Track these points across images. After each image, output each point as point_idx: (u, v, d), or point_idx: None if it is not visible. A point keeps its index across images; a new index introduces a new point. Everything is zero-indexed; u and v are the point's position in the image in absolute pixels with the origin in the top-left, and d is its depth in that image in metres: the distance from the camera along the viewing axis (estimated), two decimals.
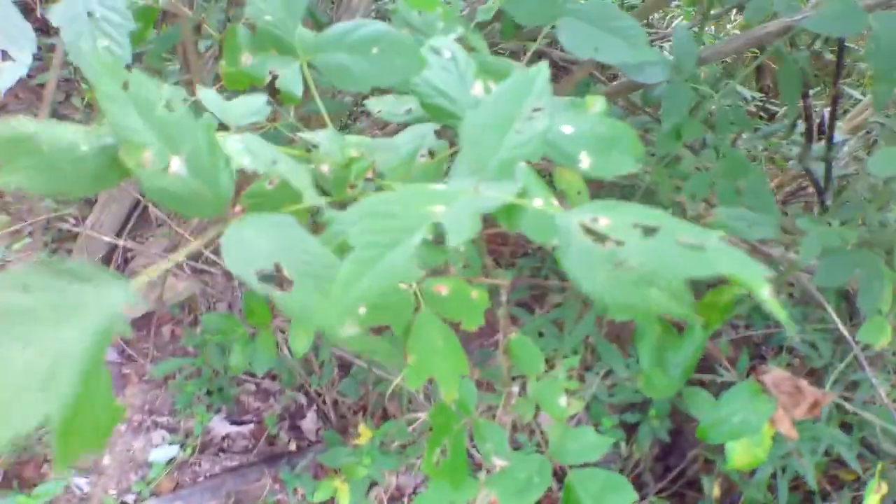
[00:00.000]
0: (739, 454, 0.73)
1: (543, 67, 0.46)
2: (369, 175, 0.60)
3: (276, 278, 0.33)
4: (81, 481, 1.60)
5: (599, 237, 0.28)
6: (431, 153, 0.65)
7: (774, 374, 0.73)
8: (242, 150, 0.38)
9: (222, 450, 1.76)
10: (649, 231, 0.27)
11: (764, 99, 2.24)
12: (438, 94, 0.54)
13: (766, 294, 0.25)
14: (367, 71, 0.51)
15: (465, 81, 0.56)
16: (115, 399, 0.34)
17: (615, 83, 1.18)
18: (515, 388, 1.04)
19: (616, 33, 0.75)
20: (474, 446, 0.97)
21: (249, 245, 0.33)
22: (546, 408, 0.78)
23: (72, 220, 2.09)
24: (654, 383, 0.80)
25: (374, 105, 0.74)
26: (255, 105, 0.46)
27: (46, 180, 0.37)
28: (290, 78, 0.51)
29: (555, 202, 0.43)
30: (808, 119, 1.69)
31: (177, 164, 0.35)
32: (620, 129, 0.53)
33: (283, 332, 1.37)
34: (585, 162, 0.54)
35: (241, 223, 0.36)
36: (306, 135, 0.46)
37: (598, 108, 0.79)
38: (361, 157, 0.49)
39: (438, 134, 0.67)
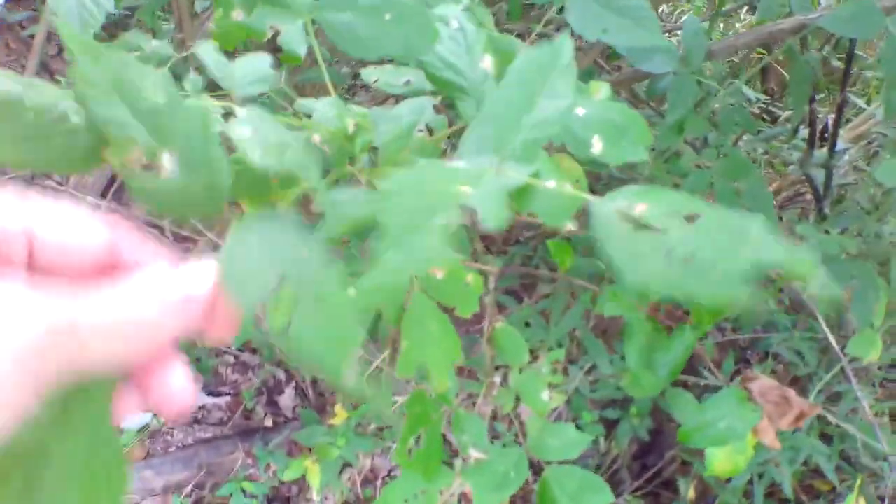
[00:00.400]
0: (720, 461, 0.71)
1: (567, 41, 0.43)
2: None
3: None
4: None
5: (639, 225, 0.26)
6: (430, 129, 0.62)
7: (762, 382, 0.71)
8: (252, 140, 0.33)
9: (197, 421, 1.74)
10: (690, 218, 0.25)
11: (767, 101, 2.21)
12: (446, 66, 0.50)
13: (817, 285, 0.23)
14: (377, 37, 0.47)
15: (474, 54, 0.53)
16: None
17: (620, 73, 1.15)
18: (497, 379, 1.02)
19: (626, 15, 0.72)
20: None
21: (250, 259, 0.29)
22: (528, 402, 0.75)
23: (56, 178, 2.04)
24: (641, 382, 0.78)
25: (371, 74, 0.71)
26: (260, 68, 0.42)
27: (33, 153, 0.31)
28: (293, 35, 0.47)
29: (568, 186, 0.40)
30: (811, 124, 1.67)
31: (168, 161, 0.30)
32: (630, 115, 0.50)
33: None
34: (597, 146, 0.51)
35: (243, 230, 0.31)
36: (307, 102, 0.43)
37: (603, 94, 0.76)
38: (366, 129, 0.45)
39: (436, 109, 0.64)
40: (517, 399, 0.91)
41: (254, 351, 1.86)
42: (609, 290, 0.82)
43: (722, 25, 2.37)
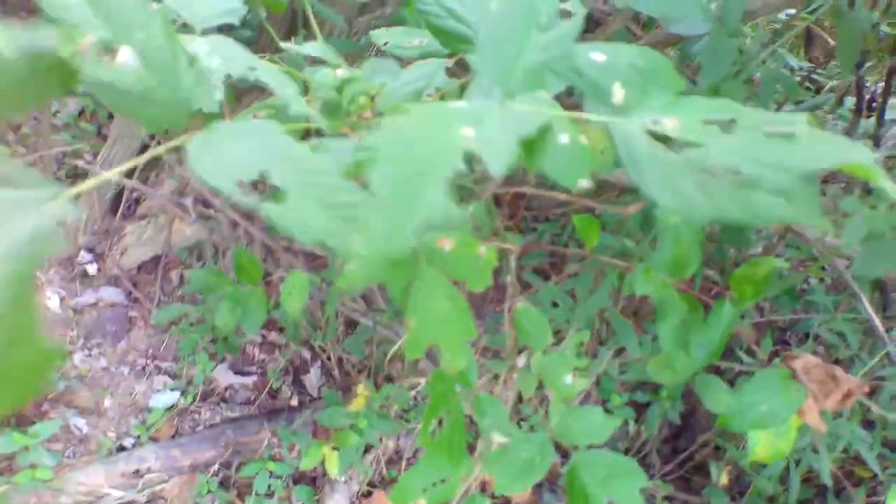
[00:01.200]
0: (762, 445, 0.66)
1: None
2: (367, 114, 0.54)
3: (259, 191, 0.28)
4: (81, 422, 1.59)
5: (671, 142, 0.22)
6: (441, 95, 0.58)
7: (806, 359, 0.66)
8: (210, 52, 0.31)
9: (224, 400, 1.75)
10: (726, 127, 0.21)
11: (811, 70, 2.11)
12: (449, 14, 0.46)
13: (883, 181, 0.20)
14: None
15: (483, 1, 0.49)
16: (47, 338, 0.28)
17: (651, 34, 1.09)
18: (522, 361, 0.98)
19: None
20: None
21: (227, 151, 0.27)
22: (550, 385, 0.72)
23: (87, 157, 2.05)
24: (674, 365, 0.74)
25: (381, 37, 0.67)
26: (227, 2, 0.38)
27: None
28: None
29: (584, 139, 0.37)
30: (858, 92, 1.58)
31: (127, 55, 0.29)
32: (659, 61, 0.45)
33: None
34: (619, 95, 0.46)
35: (216, 129, 0.29)
36: (291, 45, 0.39)
37: None
38: (356, 78, 0.42)
39: (451, 73, 0.60)
40: (541, 382, 0.87)
41: (280, 330, 1.86)
42: (641, 267, 0.77)
43: None
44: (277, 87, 0.29)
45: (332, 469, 1.17)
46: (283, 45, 0.40)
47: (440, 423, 0.68)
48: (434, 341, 0.47)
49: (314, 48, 0.38)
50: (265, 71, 0.30)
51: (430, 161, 0.22)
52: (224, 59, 0.30)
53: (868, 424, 1.43)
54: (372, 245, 0.23)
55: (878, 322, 1.17)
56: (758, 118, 0.21)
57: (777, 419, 0.61)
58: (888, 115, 1.74)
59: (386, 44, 0.64)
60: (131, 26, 0.29)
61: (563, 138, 0.32)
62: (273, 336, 1.86)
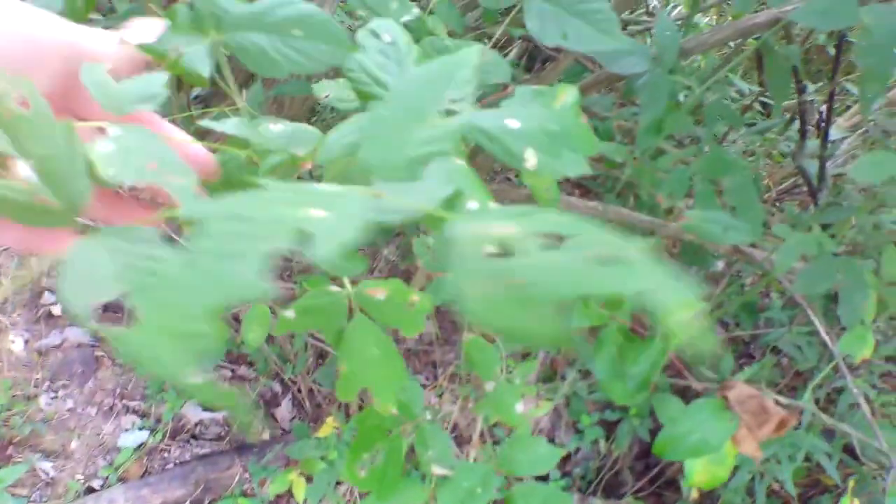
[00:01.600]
0: (699, 472, 0.69)
1: (475, 52, 0.41)
2: (308, 166, 0.56)
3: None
4: (47, 465, 1.58)
5: (499, 249, 0.24)
6: None
7: (740, 390, 0.69)
8: (110, 156, 0.33)
9: (194, 436, 1.74)
10: (556, 242, 0.23)
11: (761, 93, 2.18)
12: (373, 81, 0.49)
13: (680, 320, 0.21)
14: (286, 56, 0.46)
15: (404, 69, 0.51)
16: None
17: (597, 73, 1.14)
18: (490, 386, 1.00)
19: (585, 18, 0.70)
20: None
21: (94, 267, 0.28)
22: (501, 414, 0.74)
23: None
24: (615, 392, 0.76)
25: (322, 90, 0.70)
26: (150, 87, 0.40)
27: None
28: (196, 56, 0.46)
29: (493, 205, 0.39)
30: (802, 115, 1.64)
31: (23, 170, 0.30)
32: (573, 125, 0.48)
33: None
34: (531, 161, 0.49)
35: (89, 241, 0.30)
36: (208, 122, 0.41)
37: (569, 98, 0.74)
38: (276, 150, 0.44)
39: None
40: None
41: (250, 364, 1.86)
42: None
43: (715, 19, 2.34)
44: (170, 188, 0.30)
45: (299, 496, 1.17)
46: (202, 122, 0.41)
47: (377, 456, 0.70)
48: (365, 385, 0.49)
49: (230, 125, 0.40)
50: (166, 169, 0.31)
51: (257, 238, 0.23)
52: (123, 162, 0.31)
53: (829, 433, 1.47)
54: (164, 320, 0.23)
55: (826, 336, 1.20)
56: (593, 241, 0.22)
57: (709, 448, 0.64)
58: (836, 135, 1.80)
59: (327, 96, 0.67)
60: (34, 142, 0.29)
61: (472, 204, 0.34)
62: (243, 370, 1.86)
